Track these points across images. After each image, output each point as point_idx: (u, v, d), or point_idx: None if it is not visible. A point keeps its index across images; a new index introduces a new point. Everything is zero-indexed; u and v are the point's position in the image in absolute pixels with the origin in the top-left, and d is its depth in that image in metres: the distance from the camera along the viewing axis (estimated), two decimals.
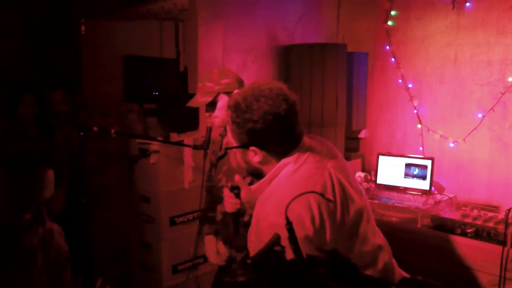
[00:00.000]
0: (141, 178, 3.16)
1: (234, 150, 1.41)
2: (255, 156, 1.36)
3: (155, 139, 2.70)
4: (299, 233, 1.12)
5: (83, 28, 3.36)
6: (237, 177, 1.54)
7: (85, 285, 3.12)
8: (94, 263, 3.35)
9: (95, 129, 2.24)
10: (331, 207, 1.30)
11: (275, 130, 1.32)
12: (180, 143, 2.61)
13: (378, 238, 1.48)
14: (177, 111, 3.17)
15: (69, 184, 3.09)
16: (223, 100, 2.02)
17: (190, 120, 2.86)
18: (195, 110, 3.23)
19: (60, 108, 3.24)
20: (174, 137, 3.04)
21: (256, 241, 1.29)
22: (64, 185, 3.05)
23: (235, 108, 1.34)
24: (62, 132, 3.10)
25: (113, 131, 2.20)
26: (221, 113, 2.02)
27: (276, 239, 1.05)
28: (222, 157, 2.04)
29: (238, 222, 1.68)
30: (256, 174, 1.44)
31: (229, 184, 1.59)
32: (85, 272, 3.19)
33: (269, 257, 1.00)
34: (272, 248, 1.02)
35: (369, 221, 1.45)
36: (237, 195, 1.51)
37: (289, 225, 1.04)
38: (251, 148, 1.34)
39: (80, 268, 3.11)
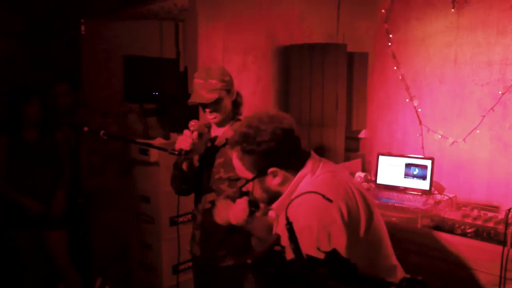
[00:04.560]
0: (141, 178, 3.16)
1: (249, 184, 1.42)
2: (274, 178, 1.38)
3: (140, 143, 2.64)
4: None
5: (83, 28, 3.36)
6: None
7: (85, 285, 3.12)
8: (94, 263, 3.35)
9: (86, 129, 2.22)
10: (354, 212, 1.34)
11: (288, 144, 1.38)
12: (155, 146, 2.42)
13: (395, 259, 1.51)
14: (177, 111, 3.17)
15: (69, 184, 3.10)
16: (224, 99, 2.03)
17: (190, 120, 2.86)
18: (195, 110, 3.23)
19: (63, 100, 3.28)
20: (174, 137, 3.03)
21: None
22: (65, 185, 3.05)
23: (244, 138, 1.37)
24: (63, 131, 3.10)
25: (102, 132, 2.14)
26: (218, 112, 2.04)
27: (276, 239, 1.05)
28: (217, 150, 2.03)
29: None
30: (274, 200, 1.44)
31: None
32: (85, 272, 3.19)
33: (269, 257, 1.00)
34: (272, 248, 1.03)
35: (388, 240, 1.49)
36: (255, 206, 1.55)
37: (289, 225, 1.04)
38: (270, 170, 1.37)
39: (80, 268, 3.12)
